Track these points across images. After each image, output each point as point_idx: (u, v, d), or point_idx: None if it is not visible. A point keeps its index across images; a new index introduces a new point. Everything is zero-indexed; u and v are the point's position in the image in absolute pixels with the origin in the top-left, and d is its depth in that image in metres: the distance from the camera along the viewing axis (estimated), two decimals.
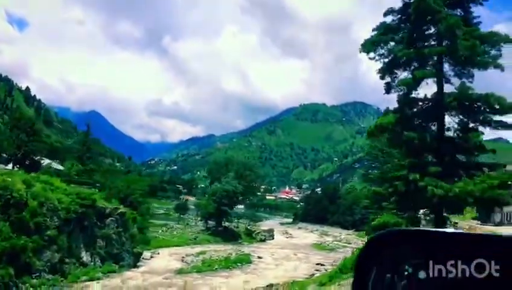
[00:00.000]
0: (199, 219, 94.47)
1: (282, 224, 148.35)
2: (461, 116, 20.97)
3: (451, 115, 21.64)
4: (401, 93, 23.30)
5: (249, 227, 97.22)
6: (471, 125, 21.20)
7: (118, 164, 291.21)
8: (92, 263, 48.58)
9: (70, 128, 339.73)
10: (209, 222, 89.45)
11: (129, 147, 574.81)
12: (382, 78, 24.30)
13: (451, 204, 18.15)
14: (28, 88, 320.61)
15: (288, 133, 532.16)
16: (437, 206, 19.89)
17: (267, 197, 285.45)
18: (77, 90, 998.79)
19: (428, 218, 24.02)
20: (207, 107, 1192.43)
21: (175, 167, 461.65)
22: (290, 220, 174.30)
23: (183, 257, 62.24)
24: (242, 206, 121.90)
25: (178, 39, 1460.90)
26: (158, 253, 63.45)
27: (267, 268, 59.17)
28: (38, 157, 71.35)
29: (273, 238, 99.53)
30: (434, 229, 1.92)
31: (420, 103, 22.99)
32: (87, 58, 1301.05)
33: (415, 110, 23.12)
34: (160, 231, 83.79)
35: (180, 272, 52.69)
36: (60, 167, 78.59)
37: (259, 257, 68.91)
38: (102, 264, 49.34)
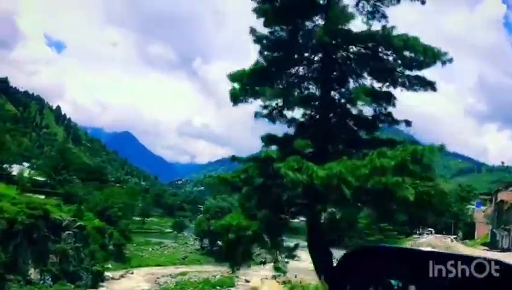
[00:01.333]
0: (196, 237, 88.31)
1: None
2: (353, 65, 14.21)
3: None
4: None
5: None
6: (368, 82, 14.48)
7: (143, 183, 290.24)
8: (42, 281, 43.19)
9: (99, 147, 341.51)
10: (205, 240, 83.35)
11: (159, 167, 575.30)
12: None
13: (320, 197, 11.77)
14: (58, 107, 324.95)
15: None
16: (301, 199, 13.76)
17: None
18: (110, 111, 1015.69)
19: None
20: (236, 129, 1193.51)
21: (202, 188, 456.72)
22: None
23: (157, 278, 56.46)
24: None
25: (208, 61, 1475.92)
26: (132, 272, 57.86)
27: None
28: None
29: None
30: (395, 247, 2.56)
31: None
32: (120, 79, 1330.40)
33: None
34: (151, 249, 78.54)
35: None
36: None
37: (247, 281, 62.24)
38: (53, 283, 43.88)
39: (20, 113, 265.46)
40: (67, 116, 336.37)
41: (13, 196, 43.32)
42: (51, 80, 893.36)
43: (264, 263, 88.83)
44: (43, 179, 71.11)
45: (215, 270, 66.91)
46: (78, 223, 48.13)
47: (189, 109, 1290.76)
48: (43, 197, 55.82)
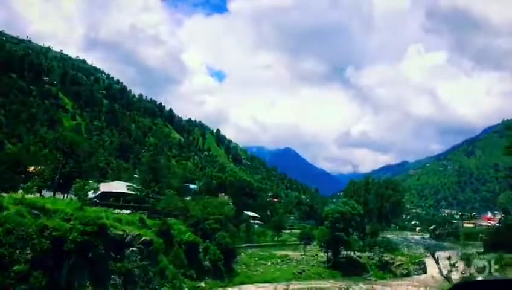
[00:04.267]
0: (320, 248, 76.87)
1: (464, 254, 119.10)
2: None
3: None
4: None
5: (385, 257, 75.42)
6: None
7: (303, 196, 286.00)
8: None
9: (259, 165, 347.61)
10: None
11: (322, 179, 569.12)
12: None
13: None
14: (218, 131, 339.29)
15: (490, 153, 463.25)
16: None
17: (465, 225, 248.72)
18: (271, 130, 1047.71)
19: None
20: (397, 133, 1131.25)
21: None
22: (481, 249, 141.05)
23: None
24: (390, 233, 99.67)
25: (360, 68, 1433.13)
26: None
27: None
28: None
29: (424, 272, 76.60)
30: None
31: None
32: (277, 98, 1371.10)
33: None
34: (270, 263, 69.93)
35: None
36: None
37: None
38: None
39: (184, 140, 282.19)
40: (229, 139, 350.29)
41: (67, 211, 38.19)
42: (216, 107, 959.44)
43: (407, 274, 74.15)
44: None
45: (333, 286, 55.46)
46: (143, 238, 41.62)
47: (346, 118, 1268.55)
48: (127, 212, 51.38)
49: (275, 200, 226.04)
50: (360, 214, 70.60)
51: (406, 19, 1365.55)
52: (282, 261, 72.38)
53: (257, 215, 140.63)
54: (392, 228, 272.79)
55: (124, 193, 58.74)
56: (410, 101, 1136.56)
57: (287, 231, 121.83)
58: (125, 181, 61.69)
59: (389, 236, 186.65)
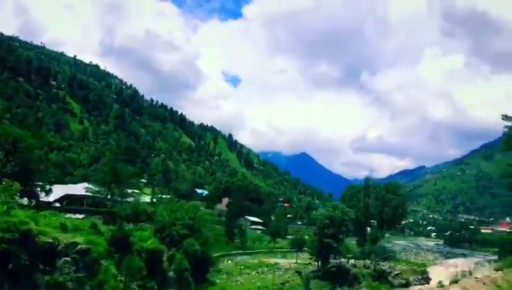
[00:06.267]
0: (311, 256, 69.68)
1: (477, 263, 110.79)
2: None
3: None
4: None
5: (383, 266, 68.03)
6: None
7: (316, 201, 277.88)
8: None
9: (271, 170, 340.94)
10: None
11: (338, 184, 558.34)
12: None
13: None
14: (230, 135, 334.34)
15: (510, 157, 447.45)
16: None
17: (482, 231, 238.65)
18: (286, 135, 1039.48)
19: None
20: (414, 138, 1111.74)
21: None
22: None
23: None
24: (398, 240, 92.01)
25: (376, 72, 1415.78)
26: None
27: None
28: None
29: (427, 282, 69.24)
30: None
31: None
32: (292, 103, 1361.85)
33: None
34: (254, 272, 63.47)
35: None
36: None
37: None
38: None
39: (195, 144, 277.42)
40: (241, 143, 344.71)
41: None
42: (231, 112, 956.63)
43: (406, 285, 66.85)
44: None
45: None
46: (80, 247, 35.65)
47: (361, 123, 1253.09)
48: (80, 216, 45.71)
49: (287, 205, 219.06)
50: (351, 219, 63.62)
51: (422, 22, 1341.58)
52: (270, 269, 65.79)
53: (260, 221, 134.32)
54: (407, 234, 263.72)
55: (86, 195, 52.89)
56: (427, 105, 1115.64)
57: (291, 237, 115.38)
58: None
59: (400, 242, 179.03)
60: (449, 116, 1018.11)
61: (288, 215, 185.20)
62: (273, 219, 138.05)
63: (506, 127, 47.08)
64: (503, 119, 46.67)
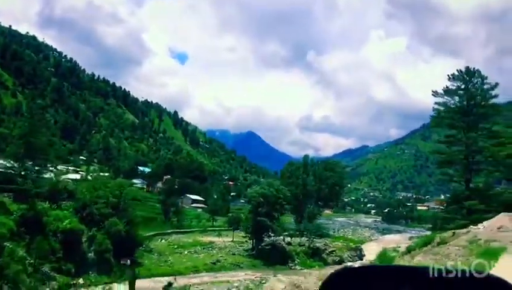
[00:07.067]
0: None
1: (411, 239, 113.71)
2: None
3: None
4: None
5: (318, 243, 67.39)
6: None
7: (262, 180, 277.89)
8: None
9: (217, 148, 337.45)
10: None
11: (284, 163, 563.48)
12: None
13: None
14: (175, 112, 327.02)
15: None
16: None
17: (418, 208, 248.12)
18: (234, 113, 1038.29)
19: None
20: (358, 118, 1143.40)
21: None
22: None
23: None
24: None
25: (323, 53, 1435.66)
26: (108, 289, 40.27)
27: None
28: None
29: (360, 259, 69.42)
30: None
31: None
32: (240, 82, 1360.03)
33: None
34: (187, 252, 61.21)
35: None
36: None
37: None
38: None
39: (139, 121, 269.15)
40: (187, 121, 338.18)
41: None
42: (178, 89, 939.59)
43: (340, 262, 66.68)
44: None
45: (247, 278, 47.19)
46: None
47: (308, 103, 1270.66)
48: None
49: (231, 183, 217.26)
50: (286, 196, 62.20)
51: (369, 4, 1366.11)
52: (203, 248, 63.77)
53: (201, 199, 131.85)
54: (347, 211, 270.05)
55: None
56: (372, 87, 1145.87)
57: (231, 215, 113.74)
58: None
59: (340, 219, 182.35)
60: (391, 97, 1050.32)
61: (232, 193, 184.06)
62: (215, 197, 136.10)
63: (435, 103, 46.62)
64: (433, 95, 46.18)
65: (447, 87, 45.50)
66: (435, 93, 45.81)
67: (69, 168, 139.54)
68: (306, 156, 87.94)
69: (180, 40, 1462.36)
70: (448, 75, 45.78)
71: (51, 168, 52.27)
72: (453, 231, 22.31)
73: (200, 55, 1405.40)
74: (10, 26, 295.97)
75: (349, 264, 48.41)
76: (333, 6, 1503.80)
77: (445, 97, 46.12)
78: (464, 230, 22.04)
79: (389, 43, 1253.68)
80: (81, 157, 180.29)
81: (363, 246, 79.67)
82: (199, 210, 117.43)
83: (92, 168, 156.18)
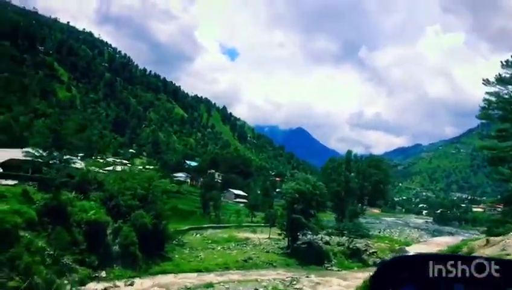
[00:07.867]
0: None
1: (463, 241, 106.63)
2: None
3: None
4: None
5: (359, 243, 63.39)
6: None
7: (310, 176, 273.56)
8: None
9: (265, 144, 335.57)
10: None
11: None
12: None
13: None
14: (224, 107, 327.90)
15: None
16: None
17: (474, 209, 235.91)
18: (283, 109, 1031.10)
19: None
20: (411, 116, 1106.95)
21: None
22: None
23: None
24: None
25: (375, 48, 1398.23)
26: (131, 283, 38.61)
27: None
28: None
29: None
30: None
31: None
32: (290, 78, 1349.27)
33: None
34: (220, 247, 59.18)
35: None
36: None
37: None
38: None
39: (188, 116, 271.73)
40: (236, 116, 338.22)
41: None
42: (229, 85, 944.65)
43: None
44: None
45: (277, 278, 44.53)
46: None
47: (359, 99, 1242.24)
48: (12, 183, 40.88)
49: (278, 179, 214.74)
50: (323, 193, 58.67)
51: None
52: (237, 245, 61.43)
53: (244, 194, 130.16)
54: (398, 211, 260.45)
55: (26, 160, 47.45)
56: (426, 83, 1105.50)
57: (269, 211, 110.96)
58: None
59: (388, 219, 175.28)
60: (447, 94, 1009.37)
61: (278, 190, 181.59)
62: (259, 192, 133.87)
63: (486, 93, 41.78)
64: (483, 84, 41.40)
65: (499, 75, 40.74)
66: (486, 82, 41.08)
67: (117, 160, 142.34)
68: (349, 152, 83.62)
69: (230, 36, 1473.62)
70: (501, 62, 40.98)
71: (79, 159, 51.49)
72: (486, 237, 18.67)
73: (250, 51, 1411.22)
74: (68, 22, 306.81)
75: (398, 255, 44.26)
76: (386, 1, 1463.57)
77: (498, 86, 41.35)
78: (498, 238, 18.30)
79: (445, 39, 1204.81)
80: (130, 150, 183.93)
81: (408, 248, 74.69)
82: (241, 205, 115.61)
83: (138, 161, 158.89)
